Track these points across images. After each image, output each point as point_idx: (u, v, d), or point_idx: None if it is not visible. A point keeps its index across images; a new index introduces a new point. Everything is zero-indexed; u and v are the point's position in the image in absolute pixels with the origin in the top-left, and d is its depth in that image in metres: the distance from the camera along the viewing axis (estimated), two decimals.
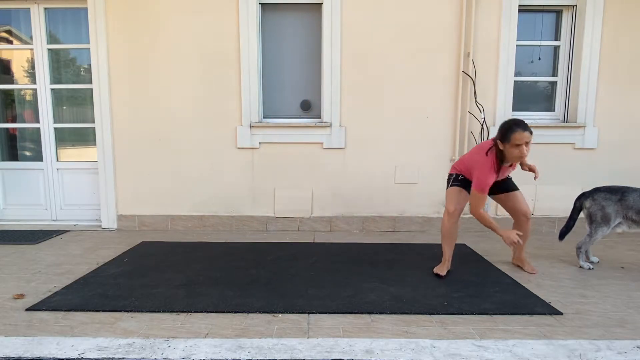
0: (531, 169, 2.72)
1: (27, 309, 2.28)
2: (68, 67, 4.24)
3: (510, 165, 2.67)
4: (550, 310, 2.27)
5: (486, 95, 3.97)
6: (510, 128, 2.44)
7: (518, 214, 2.84)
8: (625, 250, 3.49)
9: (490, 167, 2.54)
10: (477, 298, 2.44)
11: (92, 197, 4.31)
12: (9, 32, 4.23)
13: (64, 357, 1.81)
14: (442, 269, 2.82)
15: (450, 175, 2.87)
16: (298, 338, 1.98)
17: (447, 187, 2.86)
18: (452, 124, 4.01)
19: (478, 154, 2.64)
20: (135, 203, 4.14)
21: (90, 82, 4.08)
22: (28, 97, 4.31)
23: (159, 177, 4.12)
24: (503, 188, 2.85)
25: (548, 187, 4.07)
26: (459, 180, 2.80)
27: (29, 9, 4.10)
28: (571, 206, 3.08)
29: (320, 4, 3.96)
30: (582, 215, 3.02)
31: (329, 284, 2.68)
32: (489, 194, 2.79)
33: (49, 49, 4.14)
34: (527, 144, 2.44)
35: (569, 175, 4.07)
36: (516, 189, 2.84)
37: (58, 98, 4.26)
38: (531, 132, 2.45)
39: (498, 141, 2.52)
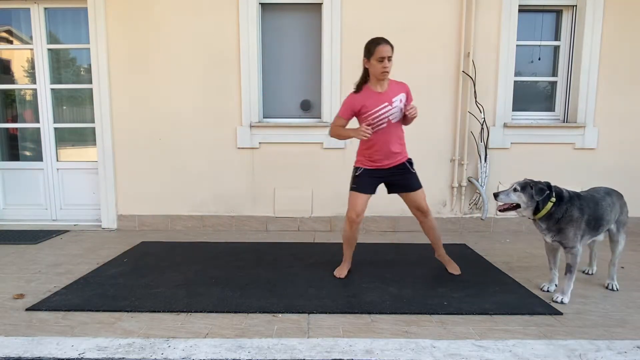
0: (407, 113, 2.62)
1: (27, 309, 2.29)
2: (68, 67, 4.24)
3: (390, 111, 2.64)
4: (550, 310, 2.28)
5: (486, 95, 3.97)
6: (374, 41, 2.57)
7: (413, 209, 2.86)
8: (625, 250, 3.47)
9: (349, 96, 2.69)
10: (477, 298, 2.45)
11: (92, 197, 4.31)
12: (9, 32, 4.23)
13: (64, 357, 1.81)
14: (342, 271, 2.85)
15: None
16: (298, 338, 1.98)
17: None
18: (452, 124, 4.01)
19: None
20: (135, 203, 4.14)
21: (90, 82, 4.08)
22: (28, 97, 4.31)
23: (159, 177, 4.12)
24: (404, 186, 2.79)
25: None
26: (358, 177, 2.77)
27: (29, 9, 4.10)
28: None
29: (320, 4, 3.96)
30: None
31: (329, 284, 2.68)
32: (392, 192, 2.85)
33: (49, 49, 4.14)
34: (389, 58, 2.55)
35: (569, 175, 4.07)
36: (416, 189, 2.80)
37: (58, 98, 4.26)
38: (392, 47, 2.55)
39: (364, 59, 2.62)
